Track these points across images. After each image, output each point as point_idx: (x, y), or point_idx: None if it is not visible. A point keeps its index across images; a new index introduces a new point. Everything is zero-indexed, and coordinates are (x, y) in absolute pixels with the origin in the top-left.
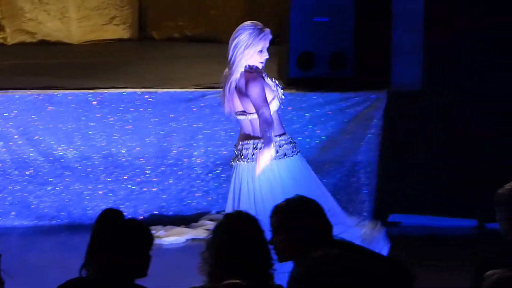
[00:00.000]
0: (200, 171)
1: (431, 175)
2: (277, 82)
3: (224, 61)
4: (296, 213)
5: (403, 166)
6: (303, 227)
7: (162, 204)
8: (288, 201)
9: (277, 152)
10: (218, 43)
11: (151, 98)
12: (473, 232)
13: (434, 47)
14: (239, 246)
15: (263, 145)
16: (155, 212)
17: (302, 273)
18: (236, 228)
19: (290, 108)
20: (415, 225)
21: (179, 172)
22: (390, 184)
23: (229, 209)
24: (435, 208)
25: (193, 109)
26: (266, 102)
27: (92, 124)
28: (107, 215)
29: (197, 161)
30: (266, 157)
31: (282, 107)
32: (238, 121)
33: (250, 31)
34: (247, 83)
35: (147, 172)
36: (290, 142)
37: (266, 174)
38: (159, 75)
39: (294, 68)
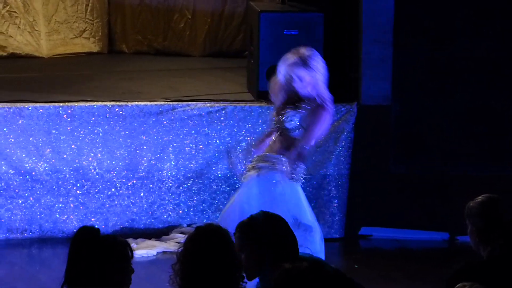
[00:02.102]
0: (171, 184)
1: (402, 188)
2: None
3: (192, 74)
4: (260, 229)
5: (374, 179)
6: (267, 243)
7: (133, 217)
8: (251, 217)
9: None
10: (186, 57)
11: (121, 111)
12: (445, 245)
13: (403, 60)
14: (209, 259)
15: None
16: (126, 225)
17: (271, 286)
18: (206, 240)
19: (260, 121)
20: (387, 238)
21: (150, 185)
22: (361, 197)
23: None
24: (406, 221)
25: (164, 122)
26: None
27: (62, 137)
28: (83, 233)
29: (168, 174)
30: None
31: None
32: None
33: None
34: None
35: (118, 185)
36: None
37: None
38: (128, 88)
39: (264, 81)
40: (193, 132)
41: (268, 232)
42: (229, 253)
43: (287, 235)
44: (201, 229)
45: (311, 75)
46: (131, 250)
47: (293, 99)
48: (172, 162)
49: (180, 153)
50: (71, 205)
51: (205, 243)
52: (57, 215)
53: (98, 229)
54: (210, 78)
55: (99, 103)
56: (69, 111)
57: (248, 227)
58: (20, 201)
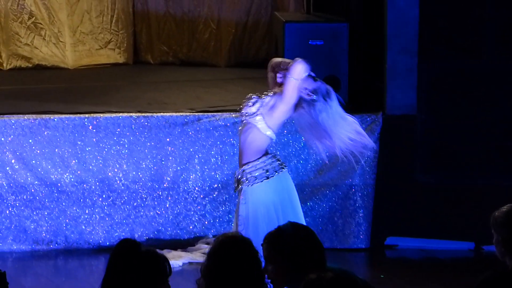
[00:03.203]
0: (197, 195)
1: (428, 198)
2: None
3: (217, 84)
4: (288, 241)
5: (400, 189)
6: (295, 254)
7: (159, 228)
8: (279, 229)
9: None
10: (211, 67)
11: (146, 122)
12: (471, 255)
13: (429, 70)
14: (232, 270)
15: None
16: (151, 236)
17: None
18: (228, 251)
19: (286, 131)
20: (413, 247)
21: (176, 196)
22: (387, 206)
23: None
24: (432, 230)
25: (189, 133)
26: None
27: (88, 148)
28: (124, 245)
29: (194, 185)
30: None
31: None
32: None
33: None
34: None
35: (144, 196)
36: (272, 162)
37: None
38: (154, 99)
39: None
40: (218, 142)
41: (295, 243)
42: (250, 263)
43: (314, 246)
44: (221, 242)
45: None
46: (170, 266)
47: None
48: (197, 172)
49: (206, 164)
50: (97, 216)
51: (226, 256)
52: (83, 226)
53: (139, 243)
54: (235, 88)
55: (125, 114)
56: (95, 122)
57: (275, 238)
58: (46, 213)
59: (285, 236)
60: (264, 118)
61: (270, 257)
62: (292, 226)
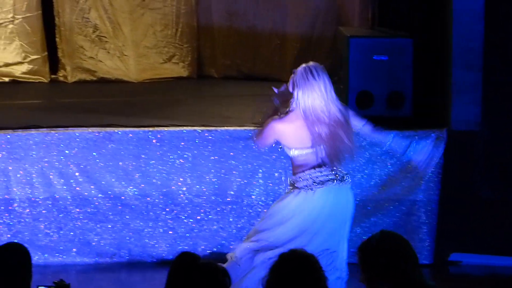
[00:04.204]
0: (260, 209)
1: (492, 214)
2: None
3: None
4: (380, 251)
5: (464, 205)
6: (387, 265)
7: (222, 242)
8: (372, 237)
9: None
10: (275, 82)
11: (210, 136)
12: None
13: (494, 85)
14: (294, 286)
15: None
16: (214, 250)
17: None
18: (290, 267)
19: None
20: (477, 264)
21: (239, 210)
22: (451, 222)
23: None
24: (497, 247)
25: (253, 147)
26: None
27: (152, 162)
28: (184, 258)
29: (257, 199)
30: None
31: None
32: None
33: None
34: None
35: (207, 209)
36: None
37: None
38: (218, 113)
39: (353, 106)
40: (282, 157)
41: (387, 253)
42: (314, 279)
43: (408, 257)
44: (284, 257)
45: None
46: (229, 279)
47: None
48: (261, 187)
49: (269, 178)
50: (160, 229)
51: (288, 271)
52: (146, 240)
53: (198, 256)
54: None
55: (189, 128)
56: (159, 136)
57: (368, 247)
58: (109, 226)
59: (377, 246)
60: None
61: (363, 266)
62: (387, 236)
